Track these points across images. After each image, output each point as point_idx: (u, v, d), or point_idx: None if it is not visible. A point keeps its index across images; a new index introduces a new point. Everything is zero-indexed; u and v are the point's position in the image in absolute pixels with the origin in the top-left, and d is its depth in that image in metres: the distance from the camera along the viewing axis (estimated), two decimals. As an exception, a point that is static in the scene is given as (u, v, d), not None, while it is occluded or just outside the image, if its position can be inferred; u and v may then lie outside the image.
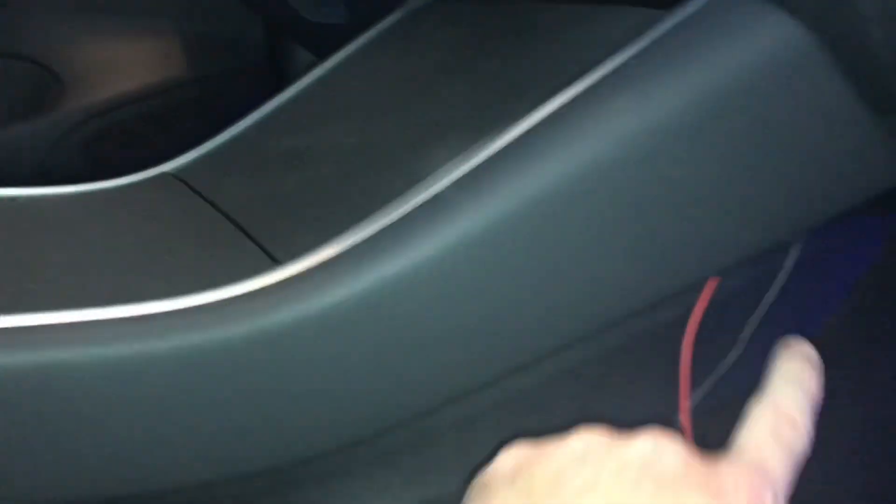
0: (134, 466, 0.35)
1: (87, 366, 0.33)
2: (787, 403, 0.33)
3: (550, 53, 0.44)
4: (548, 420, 0.42)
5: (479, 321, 0.38)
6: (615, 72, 0.39)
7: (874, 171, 0.42)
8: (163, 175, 0.52)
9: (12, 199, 0.48)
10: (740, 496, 0.29)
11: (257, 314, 0.34)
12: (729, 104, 0.38)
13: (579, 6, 0.47)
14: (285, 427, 0.36)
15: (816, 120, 0.39)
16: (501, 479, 0.31)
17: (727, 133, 0.38)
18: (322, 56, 1.05)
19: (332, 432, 0.37)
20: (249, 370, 0.34)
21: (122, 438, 0.35)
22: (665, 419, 0.44)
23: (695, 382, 0.44)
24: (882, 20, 0.34)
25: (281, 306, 0.35)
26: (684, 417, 0.42)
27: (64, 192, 0.50)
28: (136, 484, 0.35)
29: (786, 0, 0.37)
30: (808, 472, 0.46)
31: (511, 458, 0.32)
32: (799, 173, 0.40)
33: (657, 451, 0.30)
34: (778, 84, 0.38)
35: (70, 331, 0.33)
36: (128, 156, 1.04)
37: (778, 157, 0.39)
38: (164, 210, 0.46)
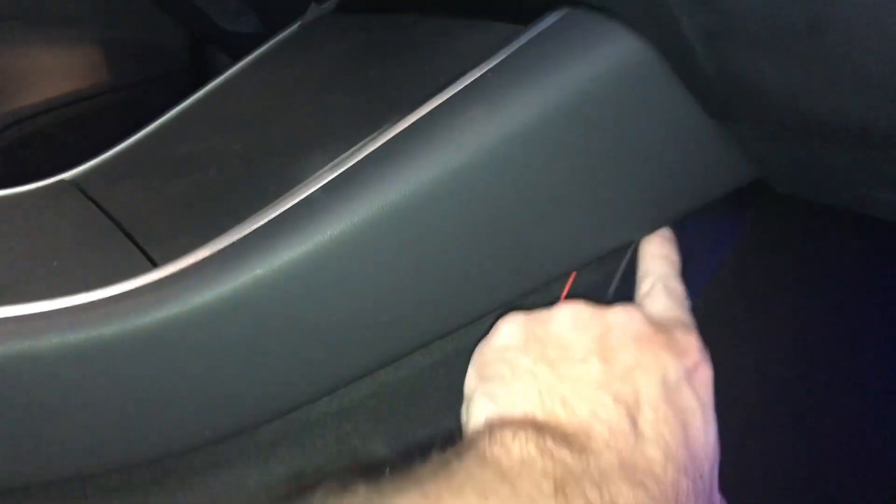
0: (17, 460, 0.37)
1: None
2: (665, 272, 0.44)
3: (422, 66, 0.47)
4: (423, 409, 0.45)
5: (347, 318, 0.40)
6: (473, 83, 0.42)
7: (718, 173, 0.45)
8: (61, 183, 0.53)
9: None
10: (693, 353, 0.39)
11: (135, 313, 0.36)
12: (577, 113, 0.41)
13: (454, 20, 0.50)
14: (165, 419, 0.39)
15: (660, 126, 0.43)
16: (515, 347, 0.39)
17: (577, 140, 0.41)
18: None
19: (210, 424, 0.40)
20: (128, 366, 0.37)
21: (5, 434, 0.36)
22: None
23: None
24: (701, 37, 0.38)
25: (157, 305, 0.37)
26: None
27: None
28: (15, 477, 0.37)
29: (627, 17, 0.41)
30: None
31: (516, 327, 0.39)
32: (648, 175, 0.43)
33: (629, 317, 0.39)
34: (622, 93, 0.41)
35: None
36: (49, 163, 1.04)
37: (626, 161, 0.43)
38: (56, 218, 0.48)
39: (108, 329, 0.37)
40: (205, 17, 0.93)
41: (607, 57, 0.41)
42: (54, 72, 1.05)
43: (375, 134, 0.42)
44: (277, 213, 0.40)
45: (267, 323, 0.39)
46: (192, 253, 0.39)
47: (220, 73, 0.63)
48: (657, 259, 0.44)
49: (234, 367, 0.39)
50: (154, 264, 0.39)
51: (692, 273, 0.49)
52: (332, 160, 0.42)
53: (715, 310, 0.49)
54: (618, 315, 0.39)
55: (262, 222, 0.39)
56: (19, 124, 1.02)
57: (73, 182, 0.53)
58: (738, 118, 0.42)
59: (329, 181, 0.40)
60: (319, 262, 0.39)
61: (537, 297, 0.44)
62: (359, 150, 0.41)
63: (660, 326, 0.40)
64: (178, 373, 0.38)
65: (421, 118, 0.41)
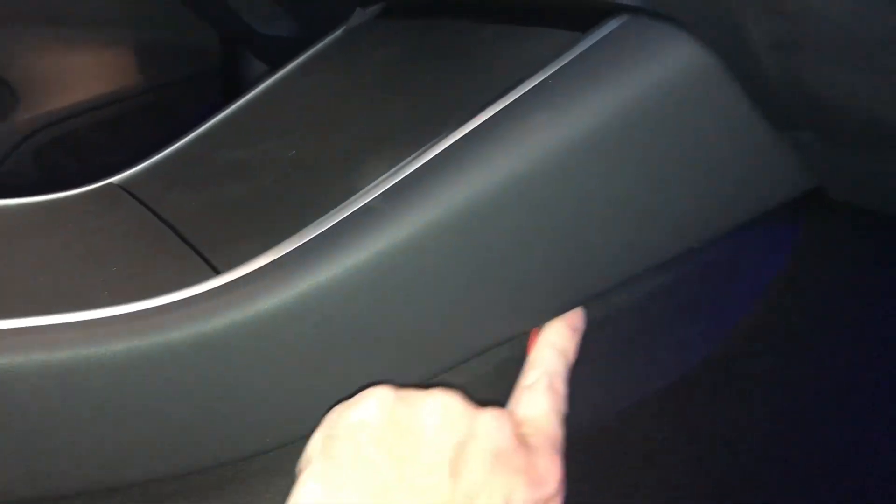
0: (80, 465, 0.37)
1: (33, 370, 0.35)
2: (555, 368, 0.41)
3: (478, 72, 0.47)
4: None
5: (406, 324, 0.40)
6: (534, 89, 0.42)
7: (776, 182, 0.45)
8: (110, 186, 0.53)
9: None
10: (550, 484, 0.37)
11: (196, 320, 0.36)
12: (639, 120, 0.41)
13: (508, 27, 0.50)
14: (226, 425, 0.39)
15: (720, 134, 0.42)
16: (370, 428, 0.35)
17: (637, 147, 0.41)
18: (274, 65, 1.07)
19: (270, 430, 0.40)
20: (190, 372, 0.37)
21: (69, 439, 0.36)
22: (585, 418, 0.47)
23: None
24: (771, 48, 0.37)
25: (219, 312, 0.37)
26: None
27: (12, 203, 0.52)
28: (82, 482, 0.37)
29: (690, 25, 0.41)
30: (724, 463, 0.49)
31: (380, 405, 0.36)
32: (707, 184, 0.43)
33: (497, 426, 0.36)
34: (683, 101, 0.41)
35: (15, 336, 0.35)
36: (81, 164, 1.05)
37: (686, 169, 0.42)
38: (110, 221, 0.48)
39: (173, 335, 0.36)
40: (238, 21, 0.93)
41: (668, 64, 0.41)
42: (86, 74, 1.05)
43: (435, 140, 0.41)
44: (338, 220, 0.39)
45: (328, 330, 0.39)
46: (253, 260, 0.39)
47: (258, 76, 0.63)
48: (553, 351, 0.42)
49: (295, 373, 0.39)
50: (216, 271, 0.39)
51: (746, 284, 0.49)
52: (391, 167, 0.42)
53: (769, 322, 0.49)
54: (487, 422, 0.36)
55: (322, 229, 0.39)
56: (51, 127, 1.02)
57: (122, 186, 0.53)
58: (802, 126, 0.41)
59: (389, 188, 0.40)
60: (380, 269, 0.39)
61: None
62: (419, 156, 0.41)
63: (525, 445, 0.37)
64: (241, 379, 0.38)
65: (482, 124, 0.41)
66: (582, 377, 0.46)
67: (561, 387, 0.41)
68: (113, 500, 0.39)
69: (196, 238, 0.43)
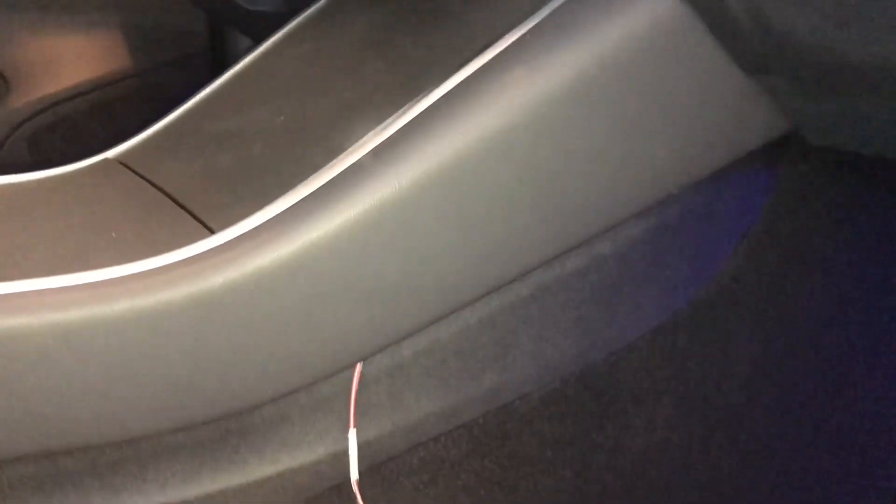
0: (89, 419, 0.39)
1: (42, 330, 0.36)
2: None
3: (456, 31, 0.48)
4: (471, 363, 0.47)
5: (398, 276, 0.42)
6: (511, 46, 0.43)
7: (751, 127, 0.46)
8: (105, 161, 0.55)
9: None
10: None
11: (195, 277, 0.38)
12: (615, 71, 0.42)
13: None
14: (228, 378, 0.40)
15: (695, 82, 0.44)
16: None
17: (613, 97, 0.42)
18: (260, 40, 1.07)
19: (270, 383, 0.41)
20: (191, 328, 0.38)
21: (78, 394, 0.38)
22: (574, 363, 0.48)
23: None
24: (737, -9, 0.39)
25: (217, 270, 0.38)
26: None
27: (10, 181, 0.53)
28: (91, 435, 0.39)
29: (660, -25, 0.42)
30: (710, 402, 0.51)
31: None
32: (683, 131, 0.45)
33: None
34: (658, 51, 0.42)
35: (22, 298, 0.37)
36: (75, 148, 1.06)
37: (662, 117, 0.44)
38: (108, 192, 0.49)
39: (173, 293, 0.38)
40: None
41: (642, 16, 0.42)
42: (75, 59, 1.06)
43: (419, 98, 0.43)
44: (329, 178, 0.41)
45: (323, 284, 0.40)
46: (247, 219, 0.40)
47: (245, 51, 0.64)
48: None
49: (292, 326, 0.41)
50: (211, 231, 0.41)
51: (726, 228, 0.50)
52: (376, 126, 0.43)
53: (749, 265, 0.51)
54: None
55: (314, 188, 0.41)
56: (44, 113, 1.03)
57: (117, 160, 0.54)
58: (773, 71, 0.43)
59: (376, 146, 0.42)
60: (371, 224, 0.40)
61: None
62: (403, 114, 0.42)
63: None
64: (240, 333, 0.40)
65: (462, 81, 0.43)
66: (569, 324, 0.48)
67: None
68: (123, 452, 0.41)
69: (192, 203, 0.45)
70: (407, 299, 0.43)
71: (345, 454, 0.45)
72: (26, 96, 1.03)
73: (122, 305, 0.37)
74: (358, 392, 0.45)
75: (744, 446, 0.53)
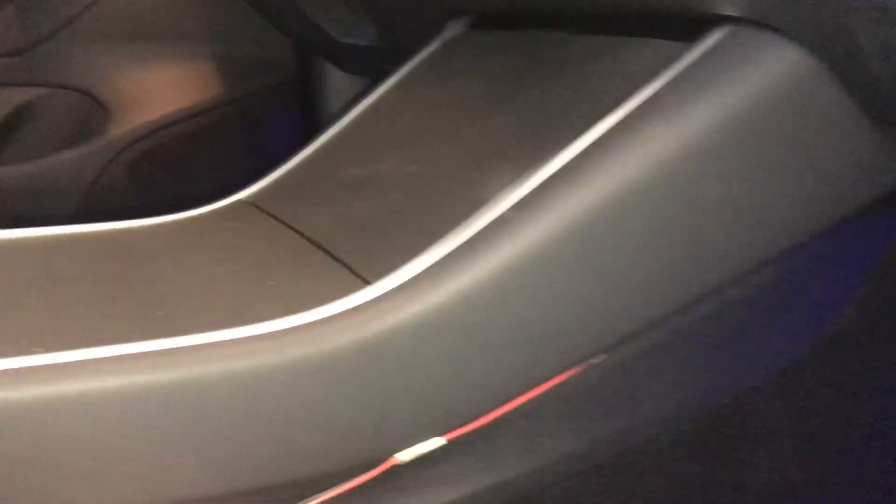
0: (257, 463, 0.41)
1: (219, 380, 0.39)
2: None
3: (585, 84, 0.50)
4: (601, 407, 0.48)
5: (540, 324, 0.44)
6: (647, 101, 0.45)
7: (879, 174, 0.47)
8: (238, 202, 0.57)
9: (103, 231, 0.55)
10: None
11: (358, 327, 0.40)
12: (747, 126, 0.44)
13: (607, 38, 0.53)
14: (384, 423, 0.42)
15: (826, 132, 0.45)
16: None
17: (746, 151, 0.44)
18: (349, 71, 1.11)
19: (422, 426, 0.43)
20: (354, 376, 0.40)
21: (249, 439, 0.41)
22: (701, 405, 0.50)
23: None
24: (879, 51, 0.40)
25: (376, 320, 0.41)
26: None
27: (150, 223, 0.56)
28: (263, 478, 0.41)
29: (794, 32, 0.43)
30: (833, 443, 0.52)
31: None
32: (811, 182, 0.46)
33: None
34: (790, 105, 0.44)
35: (194, 352, 0.39)
36: (170, 175, 1.10)
37: (793, 167, 0.45)
38: (249, 237, 0.52)
39: (335, 344, 0.40)
40: (317, 30, 0.97)
41: (775, 71, 0.44)
42: (170, 88, 1.10)
43: (558, 150, 0.45)
44: (475, 230, 0.43)
45: (470, 332, 0.42)
46: (400, 270, 0.42)
47: (359, 95, 0.65)
48: None
49: (441, 372, 0.43)
50: (366, 282, 0.43)
51: (849, 273, 0.51)
52: (514, 179, 0.45)
53: (871, 309, 0.51)
54: None
55: (462, 240, 0.43)
56: (142, 140, 1.08)
57: (250, 202, 0.57)
58: (906, 124, 0.44)
59: (519, 200, 0.43)
60: (515, 274, 0.42)
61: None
62: (543, 167, 0.44)
63: None
64: (396, 379, 0.42)
65: (600, 136, 0.44)
66: (697, 367, 0.49)
67: None
68: (288, 491, 0.43)
69: (337, 250, 0.47)
70: (547, 346, 0.44)
71: (485, 493, 0.47)
72: (125, 125, 1.07)
73: (286, 357, 0.40)
74: (494, 433, 0.47)
75: (862, 487, 0.54)
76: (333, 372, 0.40)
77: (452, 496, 0.46)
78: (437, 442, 0.44)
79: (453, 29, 0.66)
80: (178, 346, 0.38)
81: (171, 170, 1.09)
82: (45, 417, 0.36)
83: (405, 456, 0.44)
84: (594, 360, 0.46)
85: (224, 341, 0.39)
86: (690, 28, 0.47)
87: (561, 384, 0.47)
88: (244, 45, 1.12)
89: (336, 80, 1.10)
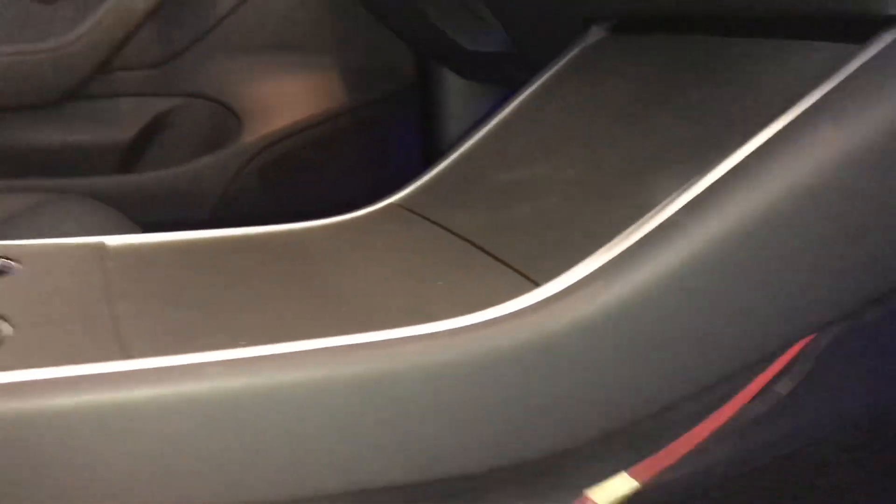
0: (437, 454, 0.43)
1: (403, 374, 0.41)
2: None
3: (749, 87, 0.50)
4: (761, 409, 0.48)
5: (705, 327, 0.44)
6: (817, 104, 0.44)
7: None
8: (391, 206, 0.60)
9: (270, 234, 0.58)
10: None
11: (533, 327, 0.41)
12: None
13: (765, 41, 0.52)
14: (552, 419, 0.43)
15: None
16: None
17: None
18: (469, 77, 1.12)
19: (589, 423, 0.44)
20: (529, 373, 0.42)
21: (427, 433, 0.42)
22: (866, 411, 0.49)
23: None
24: None
25: (550, 320, 0.42)
26: None
27: (310, 226, 0.59)
28: (440, 469, 0.43)
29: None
30: None
31: None
32: None
33: None
34: None
35: (386, 346, 0.41)
36: (298, 180, 1.14)
37: None
38: (408, 238, 0.54)
39: (504, 344, 0.42)
40: (443, 38, 0.99)
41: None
42: (296, 97, 1.15)
43: (724, 156, 0.45)
44: (643, 233, 0.44)
45: (637, 333, 0.43)
46: (570, 272, 0.43)
47: (505, 100, 0.66)
48: None
49: (606, 372, 0.43)
50: (535, 284, 0.44)
51: None
52: (683, 184, 0.45)
53: None
54: None
55: (630, 242, 0.43)
56: (272, 147, 1.12)
57: (401, 205, 0.59)
58: None
59: (688, 203, 0.44)
60: (682, 278, 0.43)
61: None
62: (709, 172, 0.45)
63: None
64: (563, 378, 0.43)
65: (768, 140, 0.44)
66: (862, 373, 0.49)
67: None
68: (434, 488, 0.44)
69: (500, 253, 0.48)
70: (711, 350, 0.45)
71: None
72: (256, 132, 1.12)
73: (471, 353, 0.41)
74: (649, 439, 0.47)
75: None
76: (511, 369, 0.41)
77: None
78: (629, 484, 0.45)
79: (594, 34, 0.66)
80: (369, 340, 0.40)
81: (299, 175, 1.14)
82: (252, 406, 0.38)
83: (600, 499, 0.45)
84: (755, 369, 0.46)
85: (408, 337, 0.41)
86: (859, 30, 0.46)
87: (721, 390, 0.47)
88: (367, 54, 1.15)
89: (455, 85, 1.12)
